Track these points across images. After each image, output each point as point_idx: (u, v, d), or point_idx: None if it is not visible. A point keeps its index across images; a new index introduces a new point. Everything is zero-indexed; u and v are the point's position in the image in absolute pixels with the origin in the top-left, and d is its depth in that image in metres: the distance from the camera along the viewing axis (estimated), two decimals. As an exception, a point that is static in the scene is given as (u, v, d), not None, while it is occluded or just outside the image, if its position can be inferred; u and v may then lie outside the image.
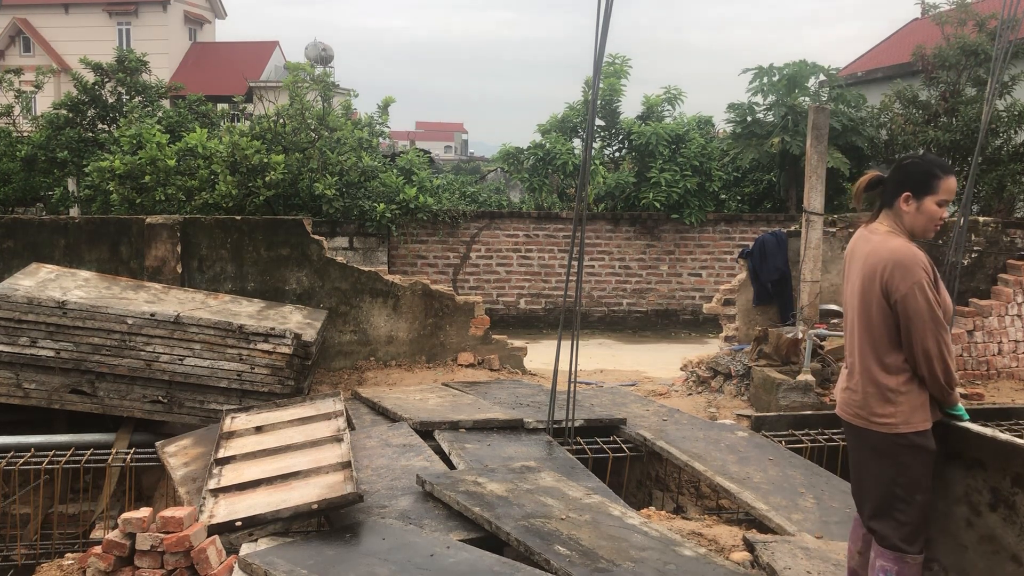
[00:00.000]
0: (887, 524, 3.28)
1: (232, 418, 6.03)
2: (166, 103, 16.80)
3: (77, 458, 6.06)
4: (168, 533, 3.90)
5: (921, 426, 3.25)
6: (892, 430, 3.25)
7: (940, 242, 8.73)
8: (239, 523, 4.26)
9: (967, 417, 3.38)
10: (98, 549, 3.99)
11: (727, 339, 8.85)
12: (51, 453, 6.08)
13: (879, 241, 3.35)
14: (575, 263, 6.04)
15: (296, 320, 7.81)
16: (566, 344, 6.05)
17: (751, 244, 8.95)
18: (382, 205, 12.61)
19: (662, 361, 10.49)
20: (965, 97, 13.62)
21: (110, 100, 15.15)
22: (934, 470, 3.33)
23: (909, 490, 3.23)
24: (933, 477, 3.32)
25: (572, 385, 6.15)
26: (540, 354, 9.49)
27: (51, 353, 6.81)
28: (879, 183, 3.48)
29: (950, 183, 3.34)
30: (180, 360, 6.94)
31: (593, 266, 13.80)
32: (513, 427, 6.17)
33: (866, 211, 3.56)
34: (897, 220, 3.37)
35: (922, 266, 3.23)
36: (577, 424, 6.25)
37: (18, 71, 17.16)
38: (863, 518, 3.42)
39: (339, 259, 8.97)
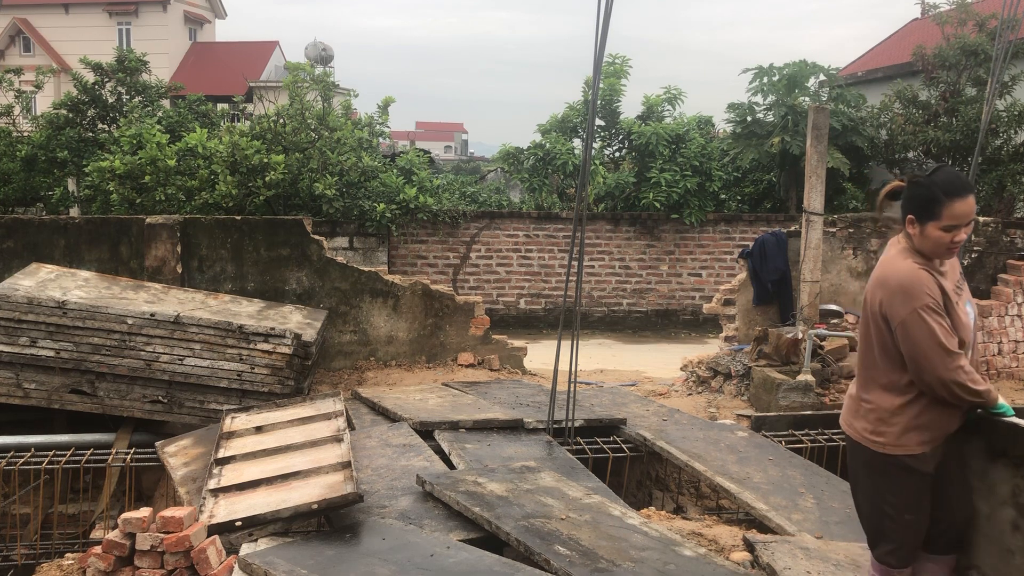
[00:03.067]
0: (877, 539, 3.22)
1: (232, 418, 6.03)
2: (166, 103, 16.80)
3: (77, 458, 6.05)
4: (168, 533, 3.90)
5: (915, 449, 3.12)
6: (883, 449, 3.15)
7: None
8: (239, 523, 4.26)
9: (1011, 413, 3.15)
10: (98, 549, 3.99)
11: (727, 339, 8.84)
12: (51, 453, 6.08)
13: (888, 259, 3.18)
14: (575, 263, 6.04)
15: (296, 320, 7.81)
16: (566, 344, 6.05)
17: (751, 244, 8.95)
18: (382, 205, 12.61)
19: (662, 361, 10.49)
20: (965, 97, 13.62)
21: (110, 100, 15.15)
22: (979, 470, 3.17)
23: (898, 509, 3.14)
24: (962, 491, 3.17)
25: (572, 385, 6.14)
26: (540, 354, 9.49)
27: (51, 353, 6.81)
28: (900, 194, 3.26)
29: (956, 208, 3.03)
30: (180, 360, 6.93)
31: (593, 266, 13.80)
32: (513, 427, 6.17)
33: (892, 219, 3.34)
34: (909, 239, 3.18)
35: (926, 290, 3.02)
36: (577, 424, 6.24)
37: (18, 71, 17.14)
38: (866, 534, 3.35)
39: (339, 259, 8.97)
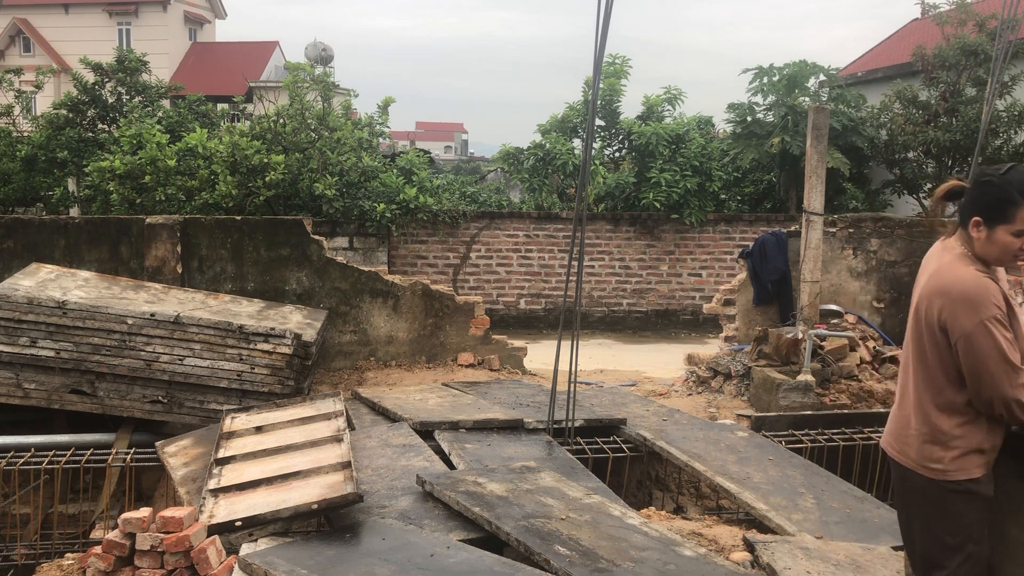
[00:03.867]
0: (931, 569, 2.95)
1: (232, 418, 6.03)
2: (166, 103, 16.81)
3: (77, 458, 6.05)
4: (168, 533, 3.90)
5: (976, 472, 2.87)
6: (943, 476, 2.89)
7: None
8: (239, 523, 4.26)
9: None
10: (98, 549, 3.99)
11: (727, 339, 8.84)
12: (51, 453, 6.07)
13: (946, 264, 2.90)
14: (575, 263, 6.04)
15: (296, 320, 7.81)
16: (566, 344, 6.05)
17: (751, 244, 8.95)
18: (382, 205, 12.61)
19: (662, 361, 10.49)
20: (965, 97, 13.63)
21: (110, 100, 15.15)
22: (1011, 489, 2.95)
23: (963, 540, 2.87)
24: (1009, 515, 2.94)
25: (572, 385, 6.14)
26: (540, 354, 9.49)
27: (51, 353, 6.81)
28: (959, 194, 3.00)
29: None
30: (180, 360, 6.93)
31: (593, 266, 13.80)
32: (513, 427, 6.17)
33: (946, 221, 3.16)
34: (969, 244, 2.92)
35: (993, 301, 2.78)
36: (577, 424, 6.24)
37: (18, 71, 17.15)
38: (913, 571, 3.09)
39: (339, 259, 8.97)
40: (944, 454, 2.88)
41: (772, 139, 13.58)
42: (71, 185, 14.70)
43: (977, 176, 2.97)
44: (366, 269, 9.03)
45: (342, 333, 8.78)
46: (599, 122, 14.47)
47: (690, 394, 8.16)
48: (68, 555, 4.73)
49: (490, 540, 4.20)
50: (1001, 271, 3.00)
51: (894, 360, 8.08)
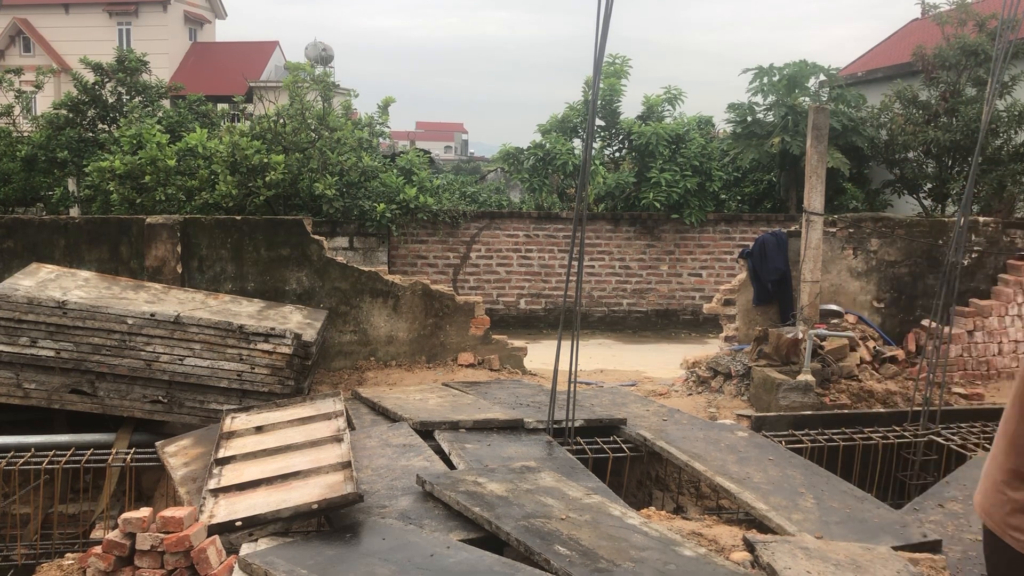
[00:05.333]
0: None
1: (232, 418, 6.03)
2: (166, 103, 16.81)
3: (77, 458, 6.05)
4: (168, 533, 3.90)
5: None
6: None
7: (940, 242, 8.73)
8: (239, 523, 4.26)
9: None
10: (98, 549, 3.99)
11: (727, 339, 8.84)
12: (51, 453, 6.07)
13: None
14: (575, 263, 6.04)
15: (296, 320, 7.81)
16: (566, 344, 6.05)
17: (751, 244, 8.95)
18: (382, 205, 12.61)
19: (662, 361, 10.49)
20: (965, 97, 13.63)
21: (110, 100, 15.16)
22: None
23: None
24: None
25: (572, 385, 6.14)
26: (540, 354, 9.49)
27: (51, 353, 6.81)
28: None
29: None
30: (180, 360, 6.93)
31: (593, 266, 13.80)
32: (513, 427, 6.17)
33: None
34: None
35: None
36: (577, 424, 6.24)
37: (18, 71, 17.15)
38: None
39: (339, 259, 8.97)
40: None
41: (772, 139, 13.58)
42: (71, 185, 14.70)
43: None
44: (366, 269, 9.03)
45: (342, 333, 8.78)
46: (599, 122, 14.47)
47: (690, 394, 8.16)
48: (68, 555, 4.72)
49: (490, 540, 4.20)
50: None
51: (894, 360, 8.09)
